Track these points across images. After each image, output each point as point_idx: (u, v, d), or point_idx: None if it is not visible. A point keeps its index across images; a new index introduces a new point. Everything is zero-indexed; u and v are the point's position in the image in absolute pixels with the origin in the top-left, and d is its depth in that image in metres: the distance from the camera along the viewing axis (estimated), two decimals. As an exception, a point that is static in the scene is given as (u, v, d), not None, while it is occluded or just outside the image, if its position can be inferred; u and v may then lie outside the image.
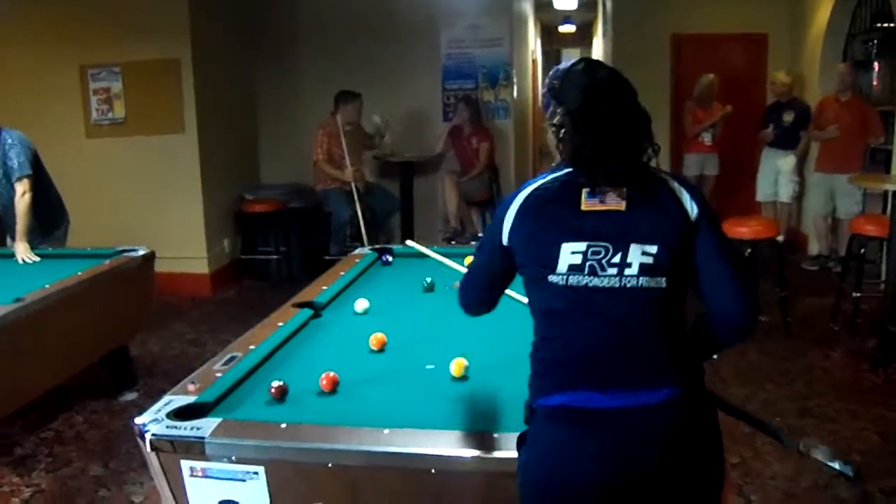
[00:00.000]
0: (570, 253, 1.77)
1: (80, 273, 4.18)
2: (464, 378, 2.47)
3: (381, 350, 2.73)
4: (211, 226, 7.10)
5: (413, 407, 2.29)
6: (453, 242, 7.16)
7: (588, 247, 1.77)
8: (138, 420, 2.17)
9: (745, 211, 6.87)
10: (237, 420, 2.18)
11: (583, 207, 1.80)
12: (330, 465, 2.02)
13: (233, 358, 2.62)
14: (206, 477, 2.11)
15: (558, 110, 1.89)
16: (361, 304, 3.21)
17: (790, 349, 5.30)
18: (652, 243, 1.78)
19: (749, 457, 3.84)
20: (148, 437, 2.10)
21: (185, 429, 2.12)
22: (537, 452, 1.76)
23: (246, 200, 7.52)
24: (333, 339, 2.94)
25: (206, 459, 2.08)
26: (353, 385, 2.42)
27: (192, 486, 2.13)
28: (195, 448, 2.08)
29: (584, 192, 1.80)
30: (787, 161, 7.39)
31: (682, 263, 1.83)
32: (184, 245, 6.94)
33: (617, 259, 1.76)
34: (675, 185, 1.85)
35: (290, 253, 7.57)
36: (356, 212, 6.91)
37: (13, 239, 4.79)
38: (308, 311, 3.14)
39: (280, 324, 2.96)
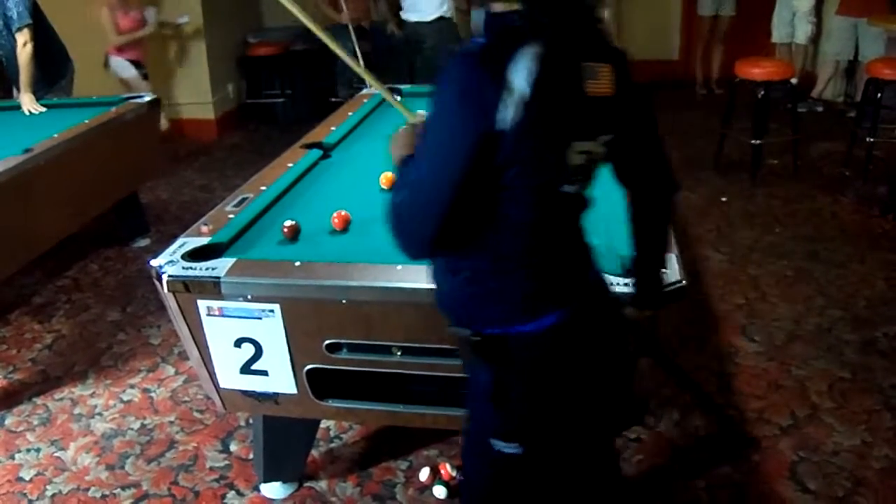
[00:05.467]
0: (577, 153, 1.47)
1: (87, 121, 4.15)
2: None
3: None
4: (215, 70, 6.99)
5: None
6: None
7: (591, 146, 1.50)
8: (154, 262, 2.20)
9: (760, 53, 6.71)
10: (251, 259, 2.20)
11: (588, 90, 1.45)
12: (344, 301, 2.05)
13: (244, 199, 2.63)
14: (223, 316, 2.16)
15: None
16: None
17: (799, 193, 5.29)
18: (609, 132, 1.54)
19: (754, 298, 3.89)
20: (165, 278, 2.13)
21: (201, 269, 2.15)
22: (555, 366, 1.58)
23: (249, 44, 7.37)
24: (344, 179, 2.94)
25: (223, 298, 2.12)
26: (365, 223, 2.42)
27: (210, 325, 2.18)
28: (211, 288, 2.11)
29: (585, 66, 1.44)
30: (804, 1, 7.17)
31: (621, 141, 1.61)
32: (188, 91, 6.88)
33: (596, 153, 1.53)
34: (617, 47, 1.55)
35: (295, 96, 7.47)
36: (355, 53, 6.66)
37: (18, 90, 4.72)
38: (317, 152, 3.13)
39: (290, 164, 2.95)
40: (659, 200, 1.75)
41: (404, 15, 6.06)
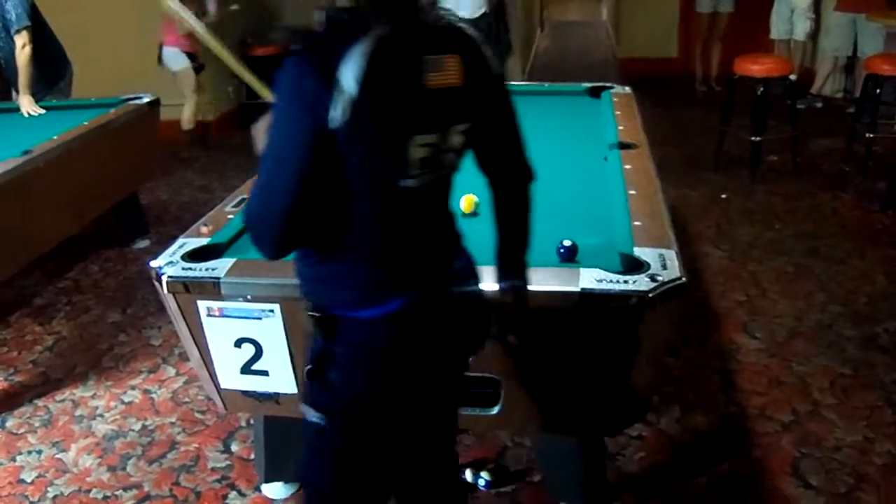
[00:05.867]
0: (419, 146, 1.45)
1: (86, 123, 4.16)
2: (474, 214, 2.47)
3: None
4: (215, 71, 6.98)
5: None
6: None
7: (438, 138, 1.48)
8: (154, 263, 2.20)
9: (759, 50, 6.71)
10: (251, 259, 2.19)
11: (430, 83, 1.44)
12: (344, 301, 2.04)
13: (244, 199, 2.62)
14: (224, 316, 2.15)
15: None
16: None
17: (799, 189, 5.29)
18: (467, 120, 1.53)
19: (755, 295, 3.90)
20: (164, 279, 2.13)
21: (201, 270, 2.15)
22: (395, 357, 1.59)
23: (249, 44, 7.35)
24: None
25: (223, 299, 2.12)
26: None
27: (210, 325, 2.18)
28: (211, 288, 2.11)
29: (427, 59, 1.43)
30: (803, -3, 7.19)
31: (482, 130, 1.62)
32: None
33: (445, 146, 1.51)
34: (472, 33, 1.54)
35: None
36: None
37: (17, 92, 4.73)
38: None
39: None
40: (516, 189, 1.75)
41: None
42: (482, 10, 5.97)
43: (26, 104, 4.56)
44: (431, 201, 1.58)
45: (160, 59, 6.42)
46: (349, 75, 1.35)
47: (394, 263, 1.54)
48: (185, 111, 6.65)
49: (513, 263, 1.78)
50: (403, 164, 1.45)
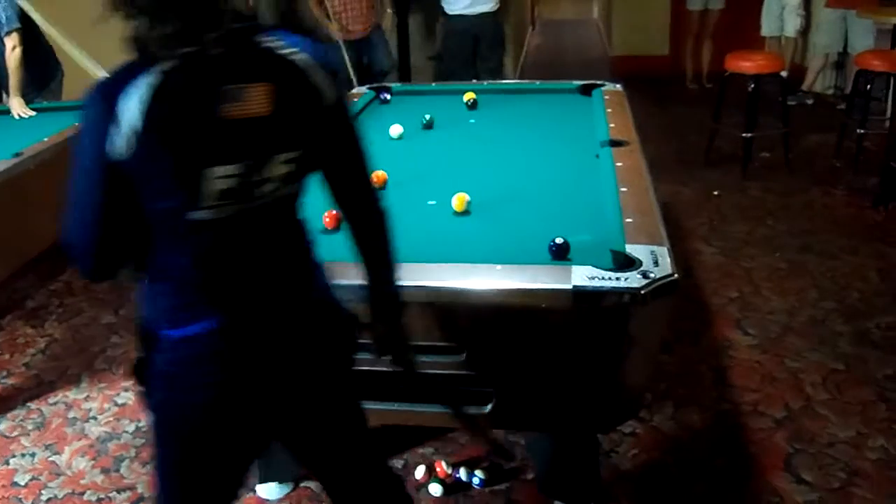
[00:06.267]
0: (216, 178, 1.41)
1: (77, 124, 4.13)
2: (466, 213, 2.48)
3: (382, 187, 2.72)
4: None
5: (416, 242, 2.30)
6: None
7: (239, 169, 1.43)
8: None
9: (750, 47, 6.73)
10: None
11: (228, 114, 1.39)
12: (336, 300, 2.04)
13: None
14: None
15: None
16: (396, 130, 3.32)
17: (792, 185, 5.31)
18: (295, 149, 1.51)
19: (748, 292, 3.90)
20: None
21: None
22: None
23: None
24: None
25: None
26: (356, 223, 2.42)
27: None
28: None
29: (224, 89, 1.39)
30: (793, -7, 7.20)
31: (324, 156, 1.61)
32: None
33: (261, 176, 1.47)
34: (310, 63, 1.49)
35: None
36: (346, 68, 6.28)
37: (7, 95, 4.71)
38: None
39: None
40: (367, 220, 1.73)
41: (465, 9, 6.03)
42: (497, 4, 6.04)
43: (17, 106, 4.54)
44: (251, 228, 1.53)
45: None
46: (133, 107, 1.33)
47: (204, 286, 1.52)
48: None
49: (380, 293, 1.76)
50: (195, 196, 1.41)
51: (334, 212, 2.39)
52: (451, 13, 6.08)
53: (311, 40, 1.52)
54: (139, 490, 2.76)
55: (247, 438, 1.65)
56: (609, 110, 3.46)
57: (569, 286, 1.90)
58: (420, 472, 2.71)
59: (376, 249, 1.74)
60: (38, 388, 3.41)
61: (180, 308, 1.52)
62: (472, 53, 6.17)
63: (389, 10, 6.43)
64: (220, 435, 1.60)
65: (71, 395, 3.35)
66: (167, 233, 1.48)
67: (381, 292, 1.77)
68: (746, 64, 5.46)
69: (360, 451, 1.82)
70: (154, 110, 1.34)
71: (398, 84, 4.23)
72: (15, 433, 3.12)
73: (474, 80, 5.39)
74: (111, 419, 3.17)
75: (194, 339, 1.51)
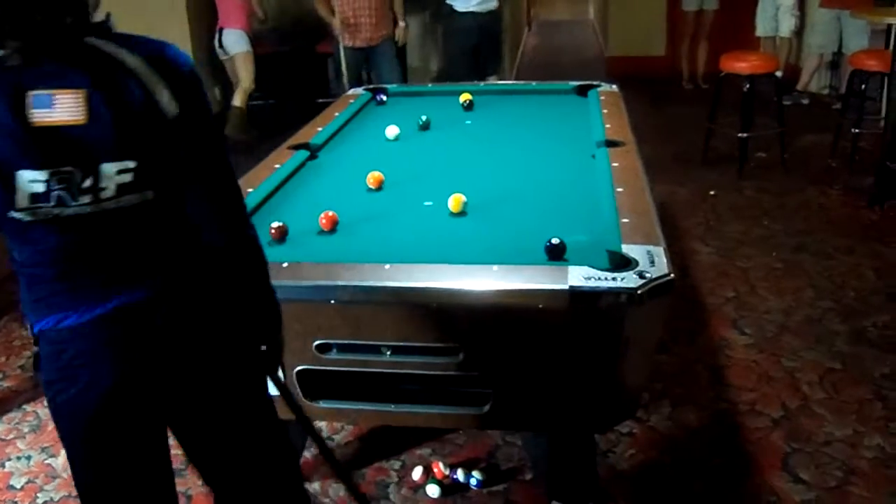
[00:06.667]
0: (27, 182, 1.40)
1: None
2: (462, 213, 2.48)
3: (379, 188, 2.73)
4: (200, 74, 6.95)
5: (413, 243, 2.31)
6: None
7: (51, 175, 1.40)
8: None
9: (745, 48, 6.74)
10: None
11: (34, 121, 1.37)
12: (332, 301, 2.04)
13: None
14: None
15: None
16: (392, 131, 3.31)
17: (787, 185, 5.31)
18: (128, 159, 1.45)
19: (744, 291, 3.90)
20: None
21: (188, 271, 2.13)
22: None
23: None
24: (331, 179, 2.93)
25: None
26: (353, 223, 2.42)
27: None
28: (199, 290, 2.09)
29: (32, 95, 1.37)
30: (787, -6, 7.22)
31: (173, 166, 1.54)
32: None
33: (89, 183, 1.43)
34: (144, 70, 1.46)
35: (281, 98, 7.48)
36: (339, 68, 6.24)
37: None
38: (304, 153, 3.11)
39: (277, 166, 2.93)
40: (224, 248, 1.65)
41: (476, 6, 6.03)
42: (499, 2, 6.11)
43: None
44: (104, 231, 1.50)
45: (220, 43, 6.42)
46: None
47: (53, 282, 1.52)
48: (239, 97, 6.66)
49: (252, 324, 1.74)
50: (10, 198, 1.42)
51: (330, 213, 2.39)
52: (460, 10, 6.07)
53: (166, 51, 1.53)
54: (136, 492, 2.75)
55: (121, 433, 1.61)
56: (605, 111, 3.46)
57: (565, 286, 1.90)
58: (418, 473, 2.71)
59: (237, 280, 1.68)
60: (34, 390, 3.39)
61: (33, 302, 1.55)
62: (475, 52, 6.18)
63: (402, 23, 6.25)
64: (95, 428, 1.58)
65: (67, 397, 3.33)
66: (6, 230, 1.50)
67: (256, 327, 1.75)
68: (741, 64, 5.47)
69: (246, 461, 1.79)
70: None
71: (394, 85, 4.22)
72: (11, 436, 3.11)
73: (477, 81, 5.39)
74: (107, 421, 3.15)
75: (50, 331, 1.53)
